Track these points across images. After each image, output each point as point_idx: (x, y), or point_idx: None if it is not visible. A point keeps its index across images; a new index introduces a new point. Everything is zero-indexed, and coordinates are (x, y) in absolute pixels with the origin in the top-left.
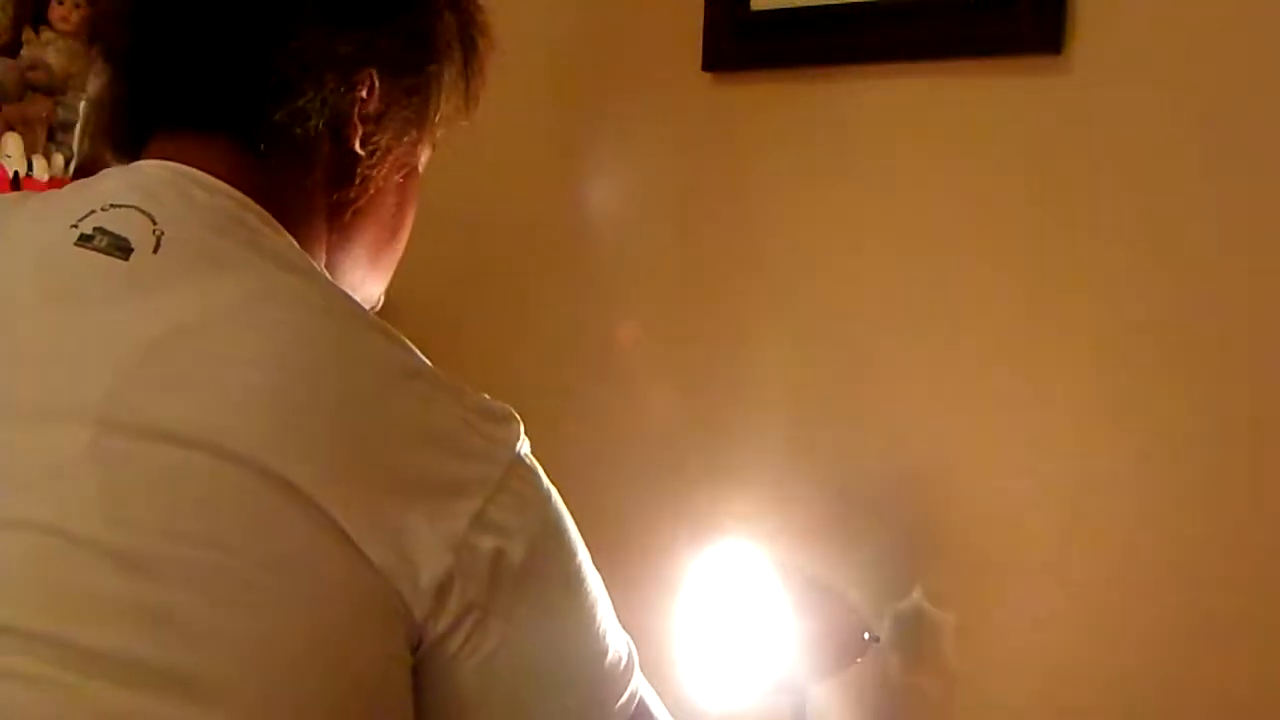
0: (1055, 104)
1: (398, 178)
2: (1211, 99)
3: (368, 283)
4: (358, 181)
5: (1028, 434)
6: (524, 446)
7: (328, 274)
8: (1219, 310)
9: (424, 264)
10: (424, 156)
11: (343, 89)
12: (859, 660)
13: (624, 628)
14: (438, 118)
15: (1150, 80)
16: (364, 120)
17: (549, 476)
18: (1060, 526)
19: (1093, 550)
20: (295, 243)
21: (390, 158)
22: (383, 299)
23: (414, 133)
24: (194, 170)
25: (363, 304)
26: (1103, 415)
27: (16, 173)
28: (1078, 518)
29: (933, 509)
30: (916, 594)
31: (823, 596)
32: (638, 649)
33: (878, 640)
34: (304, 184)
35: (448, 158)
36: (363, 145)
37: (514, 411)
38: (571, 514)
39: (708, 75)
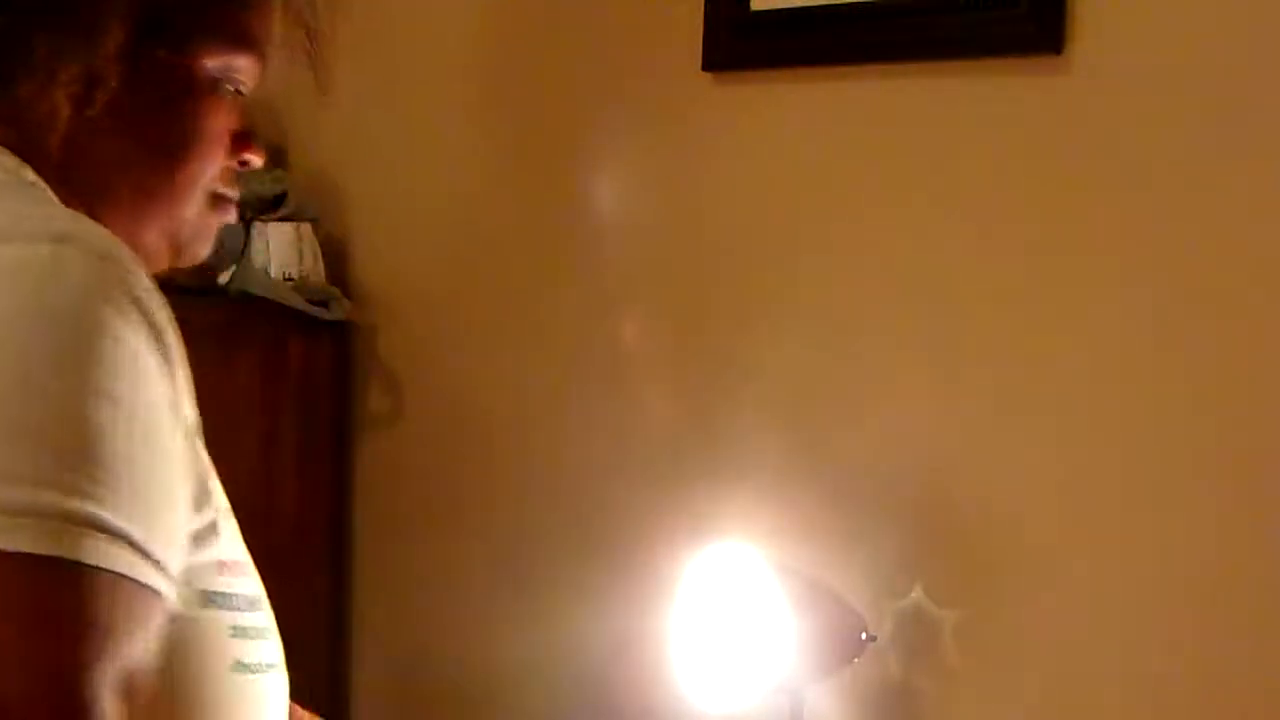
0: (1055, 104)
1: (147, 105)
2: (1212, 98)
3: (153, 217)
4: (53, 114)
5: (1028, 433)
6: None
7: (66, 206)
8: (1220, 310)
9: (419, 264)
10: (214, 71)
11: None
12: (856, 660)
13: (623, 627)
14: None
15: (1150, 80)
16: (41, 54)
17: (546, 475)
18: (1060, 525)
19: (1092, 548)
20: (28, 177)
21: (76, 85)
22: (205, 243)
23: (84, 55)
24: None
25: (159, 241)
26: (1103, 414)
27: None
28: (1078, 516)
29: (932, 508)
30: (916, 593)
31: (820, 596)
32: (637, 649)
33: (875, 639)
34: (29, 124)
35: (445, 157)
36: (46, 78)
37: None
38: (569, 513)
39: (707, 75)
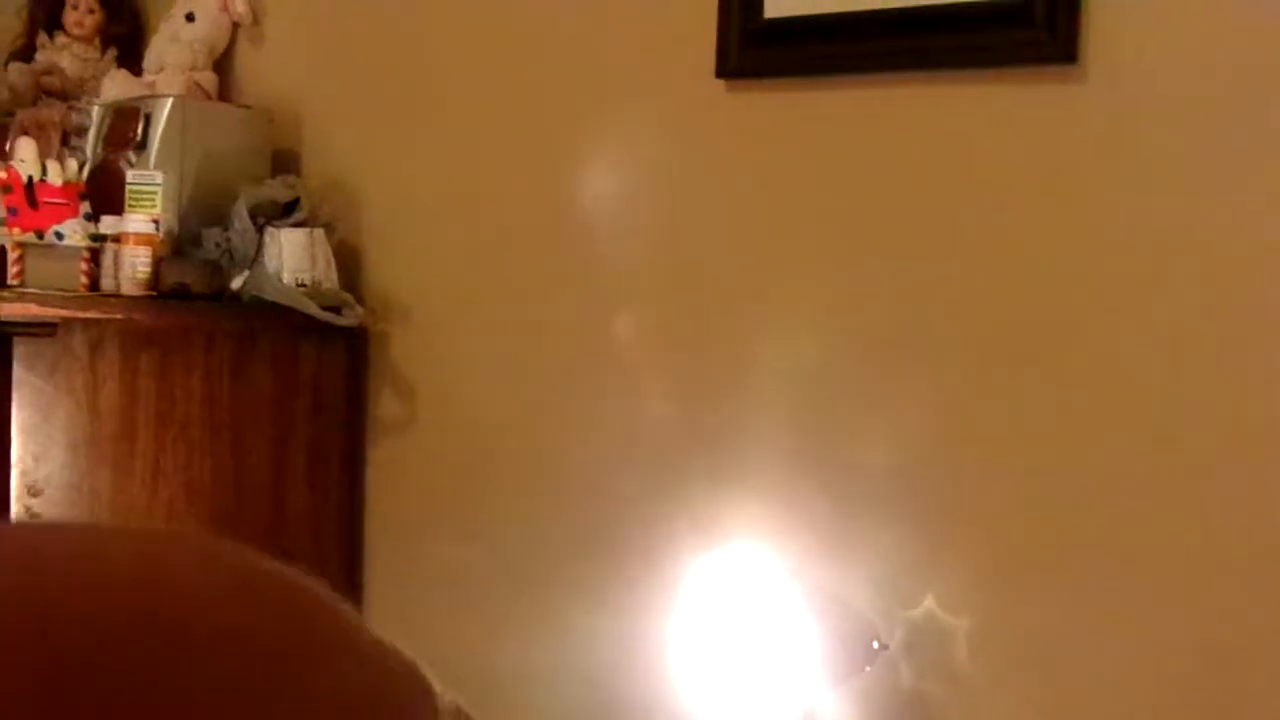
0: (1071, 113)
1: None
2: (1227, 106)
3: None
4: None
5: (1040, 440)
6: None
7: None
8: (1237, 317)
9: (432, 270)
10: None
11: None
12: (868, 669)
13: (634, 633)
14: None
15: (1166, 89)
16: None
17: (556, 481)
18: (1073, 534)
19: (1106, 557)
20: None
21: None
22: None
23: None
24: None
25: None
26: (1118, 419)
27: (31, 177)
28: (1091, 524)
29: (944, 516)
30: (928, 601)
31: (831, 604)
32: (644, 656)
33: (887, 648)
34: None
35: (458, 163)
36: None
37: None
38: (578, 518)
39: (720, 82)
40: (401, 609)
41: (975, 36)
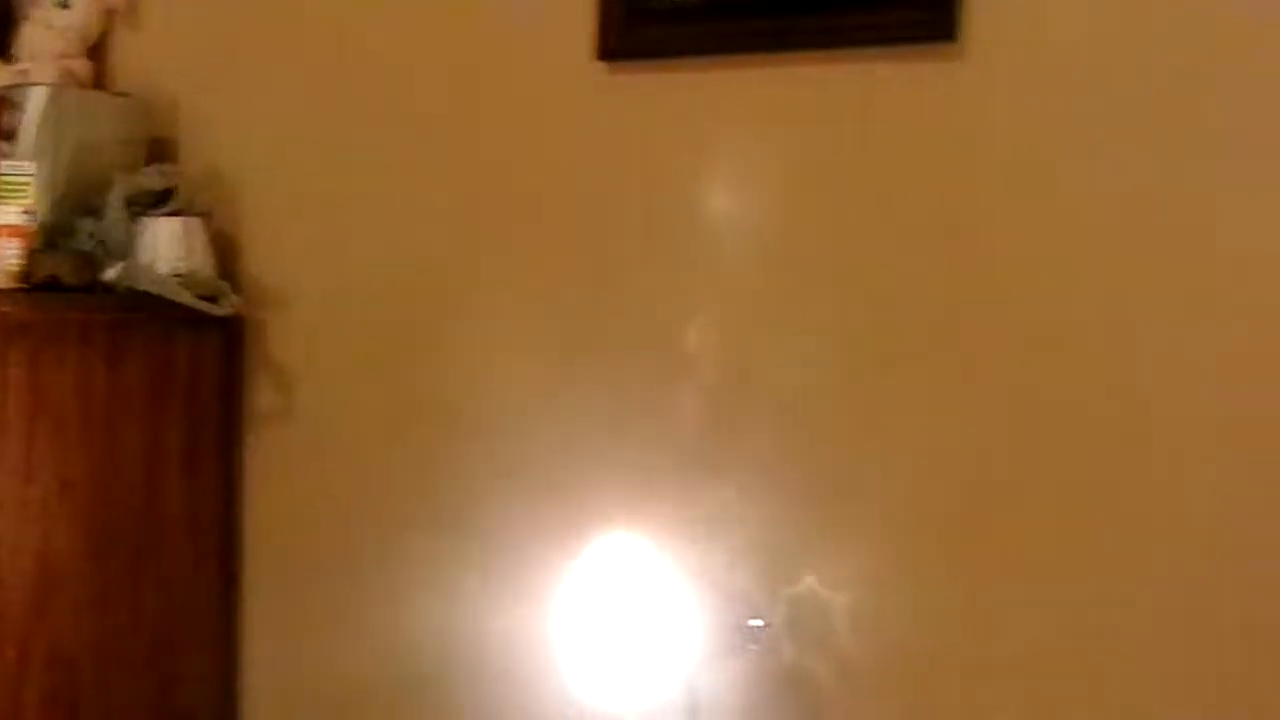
0: (950, 91)
1: None
2: (1103, 81)
3: None
4: None
5: (936, 420)
6: None
7: None
8: (1122, 295)
9: (310, 258)
10: None
11: None
12: (751, 647)
13: (513, 625)
14: None
15: (1045, 66)
16: None
17: (433, 474)
18: (957, 512)
19: (988, 538)
20: None
21: None
22: None
23: None
24: None
25: None
26: (1015, 397)
27: None
28: (974, 503)
29: (834, 495)
30: (809, 579)
31: (712, 583)
32: (528, 646)
33: (768, 626)
34: None
35: (336, 150)
36: None
37: None
38: (455, 512)
39: (601, 64)
40: (280, 605)
41: (857, 15)
